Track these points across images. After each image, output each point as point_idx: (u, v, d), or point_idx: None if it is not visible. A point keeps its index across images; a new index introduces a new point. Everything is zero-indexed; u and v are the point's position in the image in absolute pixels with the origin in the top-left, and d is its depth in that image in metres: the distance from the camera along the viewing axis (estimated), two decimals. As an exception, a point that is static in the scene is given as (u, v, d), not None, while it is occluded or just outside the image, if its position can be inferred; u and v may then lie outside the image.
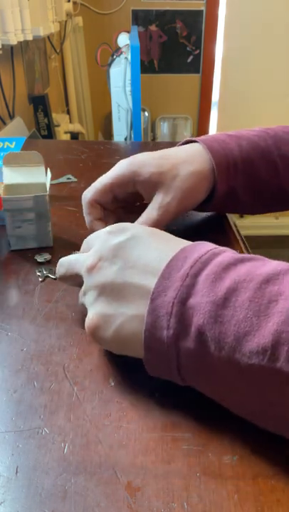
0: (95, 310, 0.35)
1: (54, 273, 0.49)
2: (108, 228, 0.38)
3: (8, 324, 0.42)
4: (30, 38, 1.44)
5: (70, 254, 0.52)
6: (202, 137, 0.55)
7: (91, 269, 0.36)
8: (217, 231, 0.59)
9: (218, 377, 0.30)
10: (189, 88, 2.94)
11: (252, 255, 0.33)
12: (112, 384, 0.35)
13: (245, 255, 0.32)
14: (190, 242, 0.36)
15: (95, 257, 0.36)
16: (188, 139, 0.57)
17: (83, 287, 0.38)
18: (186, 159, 0.52)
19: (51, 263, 0.51)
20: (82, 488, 0.28)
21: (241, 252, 0.55)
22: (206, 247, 0.34)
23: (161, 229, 0.48)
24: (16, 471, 0.29)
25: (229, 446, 0.30)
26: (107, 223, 0.51)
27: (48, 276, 0.49)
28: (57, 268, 0.42)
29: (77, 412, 0.33)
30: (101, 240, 0.37)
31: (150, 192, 0.51)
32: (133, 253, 0.35)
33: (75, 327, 0.41)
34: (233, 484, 0.28)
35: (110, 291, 0.34)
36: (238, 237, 0.59)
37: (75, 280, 0.41)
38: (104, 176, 0.52)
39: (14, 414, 0.33)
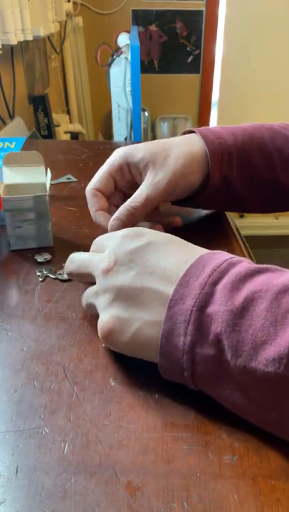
0: (111, 313, 0.35)
1: (54, 273, 0.49)
2: (123, 232, 0.38)
3: (9, 324, 0.42)
4: (30, 38, 1.44)
5: (70, 254, 0.52)
6: (198, 128, 0.56)
7: (107, 271, 0.36)
8: (217, 231, 0.59)
9: (234, 385, 0.30)
10: (189, 88, 2.94)
11: (267, 266, 0.33)
12: (112, 384, 0.35)
13: (262, 266, 0.33)
14: (206, 250, 0.36)
15: (111, 260, 0.36)
16: (186, 129, 0.57)
17: (96, 288, 0.38)
18: (178, 143, 0.53)
19: (51, 263, 0.51)
20: (82, 487, 0.28)
21: (241, 252, 0.55)
22: (223, 256, 0.34)
23: (151, 208, 0.51)
24: (16, 471, 0.29)
25: (229, 446, 0.30)
26: (110, 215, 0.51)
27: (48, 276, 0.49)
28: (66, 263, 0.42)
29: (77, 412, 0.33)
30: (116, 243, 0.37)
31: (142, 173, 0.51)
32: (150, 259, 0.35)
33: (75, 327, 0.41)
34: (233, 484, 0.28)
35: (127, 295, 0.35)
36: (238, 237, 0.59)
37: (82, 278, 0.41)
38: (102, 166, 0.53)
39: (14, 414, 0.33)
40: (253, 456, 0.30)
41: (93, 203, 0.52)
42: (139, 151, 0.52)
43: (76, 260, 0.41)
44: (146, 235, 0.37)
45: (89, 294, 0.39)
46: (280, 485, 0.28)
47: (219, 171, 0.53)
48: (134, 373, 0.36)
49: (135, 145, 0.53)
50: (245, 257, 0.54)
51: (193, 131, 0.55)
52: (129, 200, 0.50)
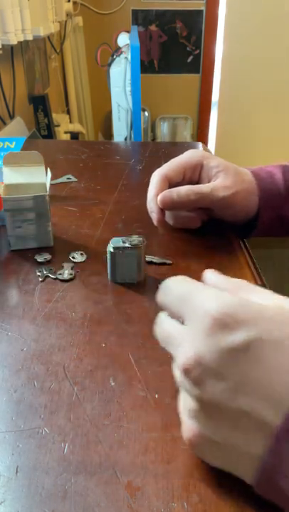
0: (197, 427, 0.28)
1: (54, 273, 0.49)
2: (216, 312, 0.26)
3: (9, 324, 0.42)
4: (30, 38, 1.44)
5: (69, 254, 0.52)
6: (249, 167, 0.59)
7: (188, 372, 0.27)
8: (217, 233, 0.59)
9: None
10: (189, 88, 2.94)
11: None
12: (112, 384, 0.35)
13: None
14: None
15: (194, 361, 0.26)
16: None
17: (178, 374, 0.28)
18: (243, 170, 0.57)
19: (51, 263, 0.51)
20: (82, 487, 0.28)
21: (242, 253, 0.55)
22: None
23: (204, 205, 0.54)
24: (16, 471, 0.29)
25: (229, 446, 0.30)
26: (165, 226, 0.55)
27: (48, 276, 0.49)
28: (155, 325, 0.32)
29: (77, 411, 0.33)
30: (201, 331, 0.26)
31: (212, 179, 0.55)
32: (251, 372, 0.25)
33: (75, 327, 0.41)
34: (233, 484, 0.28)
35: (219, 413, 0.27)
36: (239, 239, 0.59)
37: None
38: (172, 160, 0.57)
39: (14, 414, 0.33)
40: (253, 456, 0.30)
41: (157, 186, 0.54)
42: (215, 159, 0.56)
43: (160, 324, 0.31)
44: (247, 324, 0.26)
45: (176, 371, 0.29)
46: (280, 485, 0.28)
47: (271, 209, 0.56)
48: (134, 373, 0.36)
49: (209, 153, 0.57)
50: (245, 257, 0.54)
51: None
52: (193, 186, 0.54)
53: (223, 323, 0.26)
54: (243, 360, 0.25)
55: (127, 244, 0.46)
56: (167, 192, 0.54)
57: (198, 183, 0.56)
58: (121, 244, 0.46)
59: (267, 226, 0.57)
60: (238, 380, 0.25)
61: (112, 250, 0.46)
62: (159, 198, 0.53)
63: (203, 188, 0.54)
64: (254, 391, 0.25)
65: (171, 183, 0.55)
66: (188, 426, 0.29)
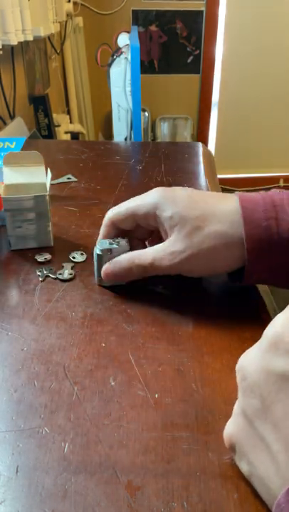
0: (236, 434, 0.28)
1: (54, 273, 0.49)
2: (274, 333, 0.25)
3: (9, 324, 0.42)
4: (30, 38, 1.44)
5: (69, 254, 0.52)
6: (247, 196, 0.43)
7: (238, 375, 0.27)
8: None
9: None
10: (189, 88, 2.94)
11: None
12: (112, 384, 0.35)
13: None
14: None
15: (242, 371, 0.27)
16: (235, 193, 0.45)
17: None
18: (220, 216, 0.42)
19: (51, 263, 0.51)
20: (82, 487, 0.28)
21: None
22: None
23: (151, 274, 0.44)
24: (17, 471, 0.29)
25: (229, 446, 0.30)
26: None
27: (48, 276, 0.49)
28: None
29: (78, 411, 0.33)
30: (260, 346, 0.26)
31: (168, 232, 0.44)
32: (280, 404, 0.24)
33: (75, 327, 0.42)
34: (233, 484, 0.28)
35: (249, 428, 0.27)
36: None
37: None
38: (133, 199, 0.47)
39: (14, 414, 0.33)
40: (252, 456, 0.30)
41: (102, 232, 0.48)
42: (171, 207, 0.43)
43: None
44: None
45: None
46: (279, 485, 0.28)
47: (261, 263, 0.41)
48: (134, 373, 0.36)
49: (173, 193, 0.44)
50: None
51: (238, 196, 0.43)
52: (135, 255, 0.45)
53: (276, 346, 0.24)
54: (279, 388, 0.24)
55: (114, 246, 0.46)
56: (108, 265, 0.46)
57: (159, 235, 0.46)
58: (108, 246, 0.46)
59: (261, 278, 0.43)
60: (269, 406, 0.24)
61: (98, 252, 0.46)
62: (102, 272, 0.46)
63: (143, 258, 0.44)
64: (277, 426, 0.24)
65: (122, 228, 0.47)
66: (229, 422, 0.29)
